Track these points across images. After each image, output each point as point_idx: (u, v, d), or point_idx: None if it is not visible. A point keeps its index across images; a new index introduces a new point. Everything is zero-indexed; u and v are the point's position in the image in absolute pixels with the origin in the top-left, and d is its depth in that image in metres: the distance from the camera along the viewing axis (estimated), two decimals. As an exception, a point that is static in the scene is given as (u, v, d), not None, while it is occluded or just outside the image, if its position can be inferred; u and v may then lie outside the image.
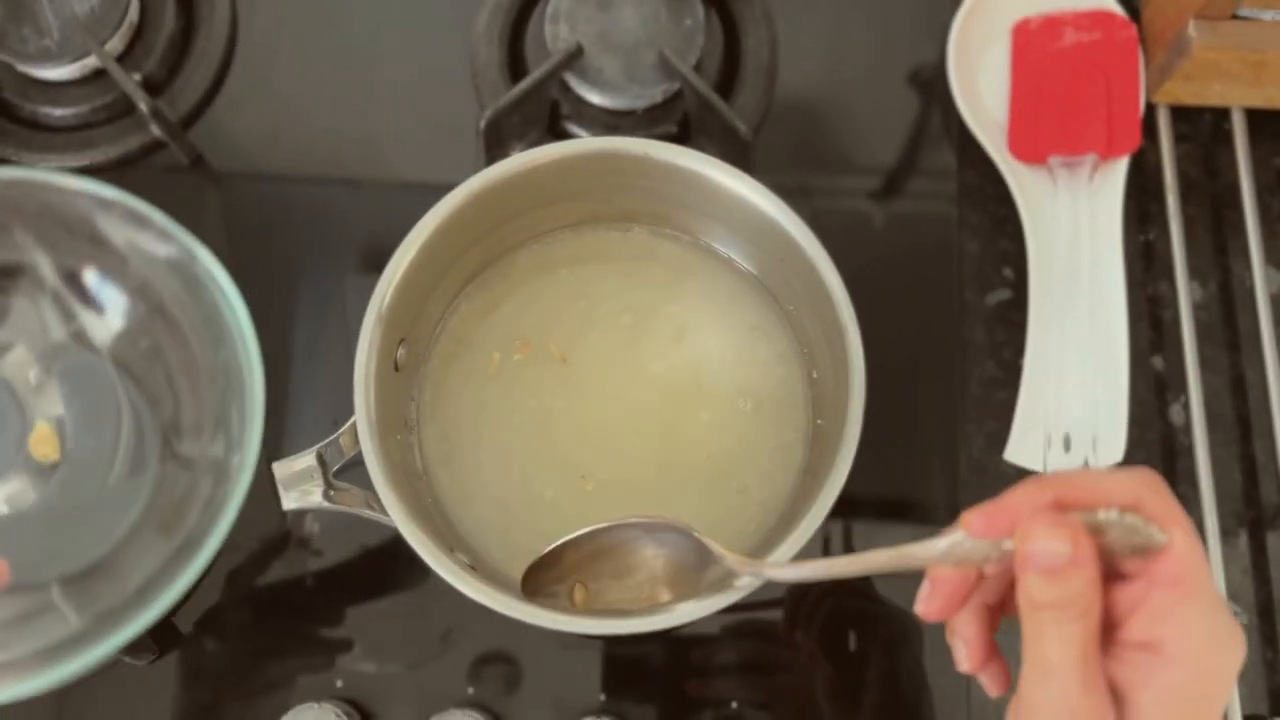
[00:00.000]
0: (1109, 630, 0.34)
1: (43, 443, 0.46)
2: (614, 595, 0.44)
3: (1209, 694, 0.33)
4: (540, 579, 0.44)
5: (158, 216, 0.40)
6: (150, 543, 0.43)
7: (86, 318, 0.45)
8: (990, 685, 0.39)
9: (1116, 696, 0.33)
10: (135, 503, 0.45)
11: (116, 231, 0.41)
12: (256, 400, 0.39)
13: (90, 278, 0.44)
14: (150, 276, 0.43)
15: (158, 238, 0.40)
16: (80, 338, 0.46)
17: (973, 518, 0.35)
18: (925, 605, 0.37)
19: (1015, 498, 0.35)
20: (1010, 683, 0.38)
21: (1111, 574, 0.34)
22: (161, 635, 0.54)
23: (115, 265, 0.43)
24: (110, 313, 0.45)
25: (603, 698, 0.53)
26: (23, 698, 0.36)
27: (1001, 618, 0.39)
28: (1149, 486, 0.34)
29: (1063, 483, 0.35)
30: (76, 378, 0.46)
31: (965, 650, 0.38)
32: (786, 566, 0.41)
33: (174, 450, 0.45)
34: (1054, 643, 0.33)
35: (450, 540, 0.48)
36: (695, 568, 0.43)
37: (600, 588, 0.44)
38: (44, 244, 0.44)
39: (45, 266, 0.44)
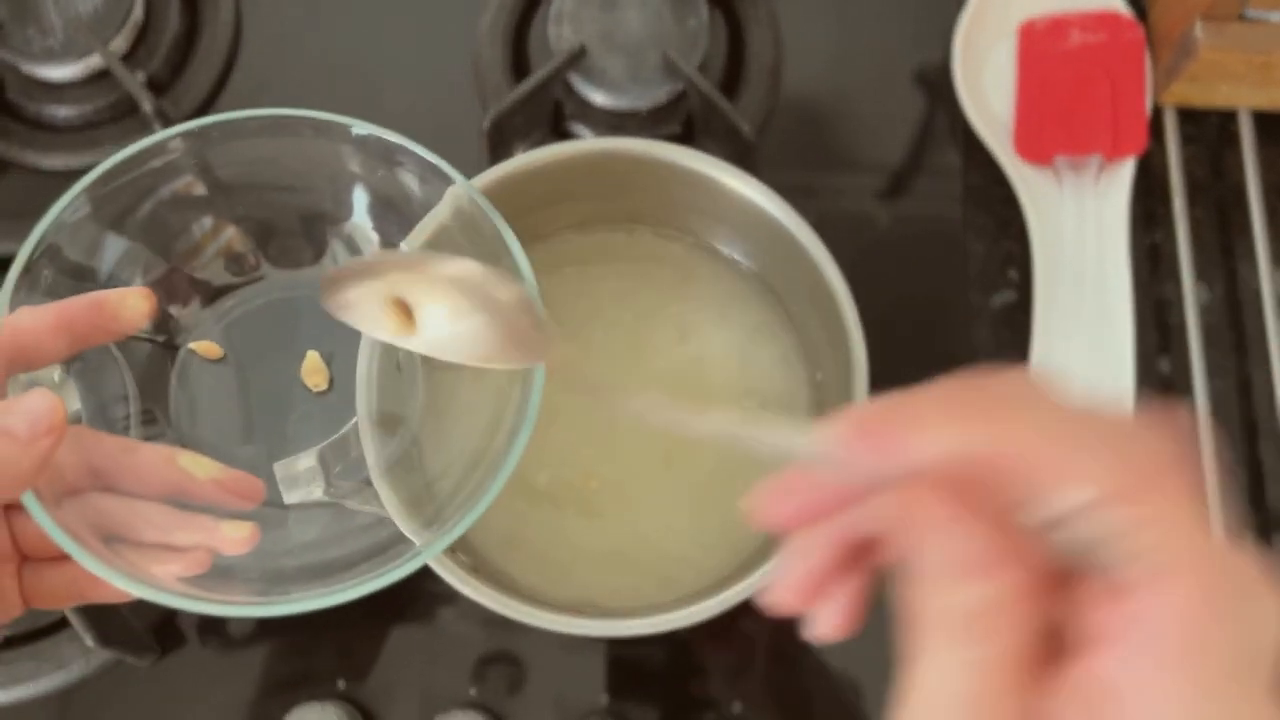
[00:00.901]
0: (1059, 642, 0.23)
1: (314, 372, 0.48)
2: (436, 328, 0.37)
3: None
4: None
5: (444, 165, 0.42)
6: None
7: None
8: (822, 623, 0.28)
9: None
10: (408, 426, 0.48)
11: (410, 177, 0.44)
12: None
13: (384, 219, 0.47)
14: (433, 220, 0.45)
15: (441, 181, 0.43)
16: None
17: (849, 429, 0.24)
18: (774, 501, 0.27)
19: (924, 410, 0.24)
20: (853, 628, 0.28)
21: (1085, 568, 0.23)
22: (164, 636, 0.54)
23: (406, 207, 0.45)
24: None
25: (605, 699, 0.53)
26: (332, 604, 0.36)
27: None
28: (1141, 475, 0.22)
29: (1001, 426, 0.23)
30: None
31: (797, 573, 0.27)
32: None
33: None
34: (940, 669, 0.23)
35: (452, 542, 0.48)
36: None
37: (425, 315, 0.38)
38: (360, 195, 0.46)
39: (357, 208, 0.47)
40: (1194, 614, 0.21)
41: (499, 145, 0.60)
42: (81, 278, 0.42)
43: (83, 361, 0.43)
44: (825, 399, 0.51)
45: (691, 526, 0.50)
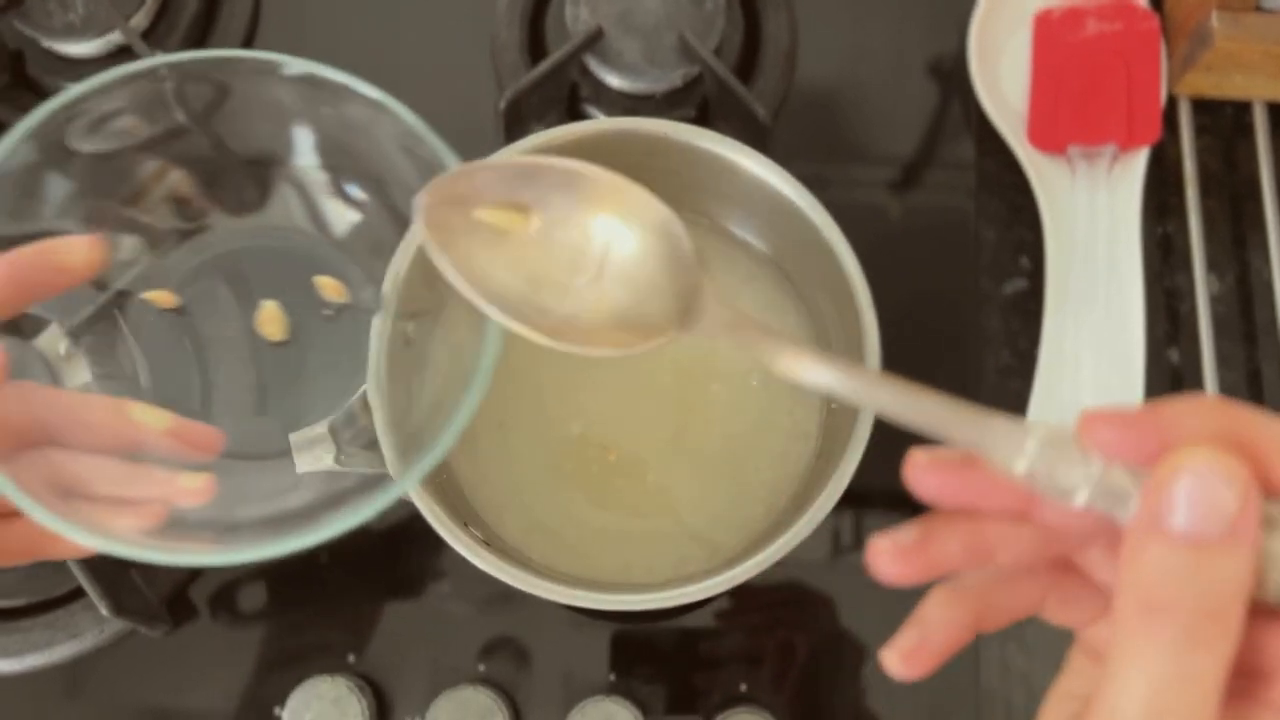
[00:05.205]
0: (1249, 680, 0.23)
1: (270, 322, 0.47)
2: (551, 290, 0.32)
3: None
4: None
5: (396, 106, 0.41)
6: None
7: (330, 209, 0.47)
8: (898, 661, 0.26)
9: None
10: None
11: (362, 123, 0.42)
12: None
13: (337, 170, 0.45)
14: (385, 168, 0.43)
15: (395, 129, 0.41)
16: (323, 228, 0.47)
17: (1103, 425, 0.24)
18: (922, 476, 0.26)
19: (1177, 411, 0.23)
20: (928, 671, 0.26)
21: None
22: (176, 608, 0.54)
23: (356, 145, 0.44)
24: (350, 204, 0.47)
25: (612, 677, 0.53)
26: (326, 540, 0.35)
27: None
28: None
29: (1249, 425, 0.22)
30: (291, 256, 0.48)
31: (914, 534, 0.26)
32: (810, 363, 0.29)
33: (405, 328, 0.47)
34: (1164, 677, 0.21)
35: (464, 515, 0.48)
36: (667, 312, 0.33)
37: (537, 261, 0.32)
38: (305, 136, 0.45)
39: (300, 148, 0.45)
40: None
41: (514, 125, 0.60)
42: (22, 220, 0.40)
43: (92, 335, 0.42)
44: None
45: (704, 503, 0.50)
